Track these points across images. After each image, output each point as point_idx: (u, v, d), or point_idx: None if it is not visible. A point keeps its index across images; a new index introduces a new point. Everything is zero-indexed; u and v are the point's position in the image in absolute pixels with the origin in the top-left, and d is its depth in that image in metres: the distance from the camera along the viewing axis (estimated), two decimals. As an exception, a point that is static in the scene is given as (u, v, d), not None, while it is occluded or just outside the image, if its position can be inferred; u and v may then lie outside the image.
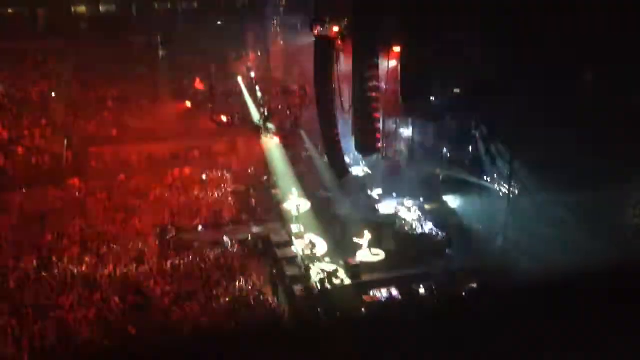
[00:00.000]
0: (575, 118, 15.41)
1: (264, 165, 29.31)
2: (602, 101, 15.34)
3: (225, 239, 22.23)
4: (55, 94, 31.58)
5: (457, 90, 20.65)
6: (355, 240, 20.81)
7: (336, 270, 19.89)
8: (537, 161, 17.22)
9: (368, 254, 20.55)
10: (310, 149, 28.91)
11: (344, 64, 22.61)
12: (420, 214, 23.10)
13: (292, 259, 21.37)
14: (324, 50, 22.10)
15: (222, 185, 27.65)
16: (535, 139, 16.63)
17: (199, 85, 33.87)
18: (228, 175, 28.74)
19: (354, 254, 20.42)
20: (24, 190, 25.78)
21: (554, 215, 16.91)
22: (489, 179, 21.51)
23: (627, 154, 14.74)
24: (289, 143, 29.07)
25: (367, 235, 20.88)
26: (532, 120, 16.41)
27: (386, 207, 24.39)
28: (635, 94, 14.82)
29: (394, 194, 24.89)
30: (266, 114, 30.57)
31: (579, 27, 14.87)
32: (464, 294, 18.00)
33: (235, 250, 21.57)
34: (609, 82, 15.16)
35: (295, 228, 22.82)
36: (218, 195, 26.42)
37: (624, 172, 15.07)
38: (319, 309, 18.02)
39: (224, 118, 31.88)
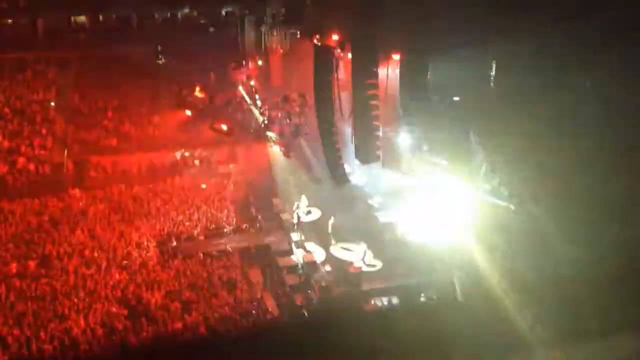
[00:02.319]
0: (575, 128, 15.44)
1: (265, 173, 29.33)
2: (601, 112, 15.37)
3: (226, 247, 22.20)
4: (55, 104, 31.62)
5: (456, 98, 20.65)
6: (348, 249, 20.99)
7: (337, 279, 19.96)
8: (535, 171, 17.23)
9: (362, 265, 20.63)
10: (310, 157, 28.96)
11: (344, 72, 22.67)
12: (420, 222, 23.08)
13: (293, 268, 21.36)
14: (324, 59, 22.16)
15: (223, 193, 27.63)
16: (534, 149, 16.64)
17: (198, 93, 33.89)
18: (228, 184, 28.73)
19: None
20: (25, 200, 25.75)
21: (549, 225, 16.92)
22: (488, 188, 21.49)
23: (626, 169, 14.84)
24: (289, 151, 29.08)
25: (362, 246, 20.99)
26: (532, 129, 16.44)
27: (386, 215, 24.42)
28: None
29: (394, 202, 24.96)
30: (266, 122, 30.62)
31: (577, 32, 14.90)
32: (465, 301, 18.00)
33: (235, 259, 21.53)
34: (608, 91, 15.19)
35: (295, 236, 22.84)
36: (218, 204, 26.40)
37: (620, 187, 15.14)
38: (318, 317, 18.01)
39: (224, 126, 31.90)
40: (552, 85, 15.47)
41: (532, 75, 16.00)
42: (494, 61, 17.85)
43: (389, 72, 21.98)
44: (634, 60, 14.41)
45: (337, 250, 22.13)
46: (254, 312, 18.17)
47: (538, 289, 15.79)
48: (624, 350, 14.16)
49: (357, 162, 24.69)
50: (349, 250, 21.99)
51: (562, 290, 15.26)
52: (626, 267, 15.10)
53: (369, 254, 21.27)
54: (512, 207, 18.87)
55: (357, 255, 21.40)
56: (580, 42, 14.86)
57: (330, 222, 23.18)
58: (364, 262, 20.71)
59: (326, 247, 22.40)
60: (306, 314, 18.53)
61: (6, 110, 30.51)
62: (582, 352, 14.19)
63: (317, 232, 23.44)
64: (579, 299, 14.75)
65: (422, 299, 18.70)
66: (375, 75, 20.03)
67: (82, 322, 17.21)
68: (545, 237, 16.65)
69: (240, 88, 33.46)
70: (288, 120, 30.70)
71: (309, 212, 24.28)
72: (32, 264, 20.50)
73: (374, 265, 20.70)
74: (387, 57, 21.30)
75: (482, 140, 19.64)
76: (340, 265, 21.02)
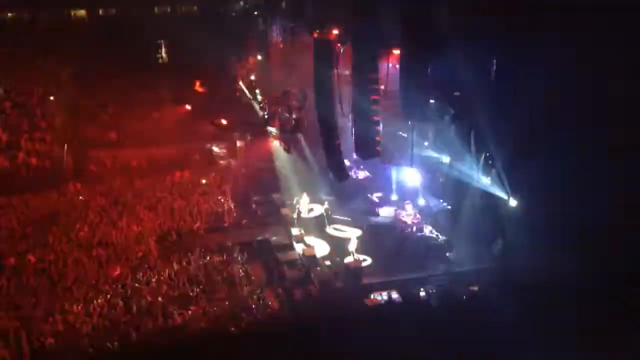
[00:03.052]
0: (576, 125, 15.43)
1: (265, 168, 29.37)
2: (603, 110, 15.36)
3: (226, 242, 22.22)
4: (55, 98, 31.62)
5: (457, 93, 20.62)
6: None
7: (337, 273, 20.01)
8: (535, 166, 17.22)
9: (354, 256, 20.77)
10: (307, 152, 29.02)
11: (344, 67, 22.64)
12: (420, 217, 23.11)
13: (293, 262, 21.39)
14: (324, 54, 22.15)
15: (223, 188, 27.65)
16: (535, 144, 16.64)
17: (199, 88, 33.91)
18: (228, 178, 28.75)
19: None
20: (25, 194, 25.78)
21: (549, 220, 16.93)
22: (488, 182, 21.51)
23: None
24: (290, 146, 29.11)
25: (354, 241, 21.06)
26: (532, 124, 16.43)
27: (386, 211, 24.46)
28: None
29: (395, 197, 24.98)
30: (267, 116, 30.63)
31: (578, 29, 14.87)
32: (464, 297, 18.03)
33: (235, 254, 21.56)
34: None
35: (295, 231, 22.88)
36: (218, 198, 26.42)
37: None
38: (320, 312, 18.04)
39: (224, 121, 31.91)
40: (553, 80, 15.45)
41: (533, 70, 15.97)
42: (494, 55, 17.80)
43: (390, 67, 21.95)
44: (634, 57, 14.40)
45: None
46: (254, 306, 18.20)
47: (534, 284, 15.83)
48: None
49: (356, 157, 24.79)
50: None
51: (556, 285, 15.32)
52: (621, 264, 15.15)
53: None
54: (512, 201, 18.87)
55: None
56: (581, 38, 14.83)
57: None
58: (356, 255, 20.84)
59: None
60: (307, 308, 18.57)
61: (6, 104, 30.51)
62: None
63: (319, 227, 23.49)
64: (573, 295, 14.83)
65: (422, 294, 18.72)
66: (376, 70, 20.02)
67: (82, 315, 17.25)
68: (543, 231, 16.69)
69: (241, 83, 33.49)
70: (288, 115, 30.69)
71: (311, 210, 24.34)
72: (32, 257, 20.52)
73: (364, 260, 20.79)
74: (388, 52, 21.27)
75: (482, 135, 19.63)
76: (341, 260, 21.08)
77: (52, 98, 31.55)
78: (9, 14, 35.17)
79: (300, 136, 29.08)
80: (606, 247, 14.92)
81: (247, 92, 32.96)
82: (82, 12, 36.80)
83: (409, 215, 23.22)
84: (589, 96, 15.12)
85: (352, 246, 20.93)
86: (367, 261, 20.77)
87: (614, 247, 14.93)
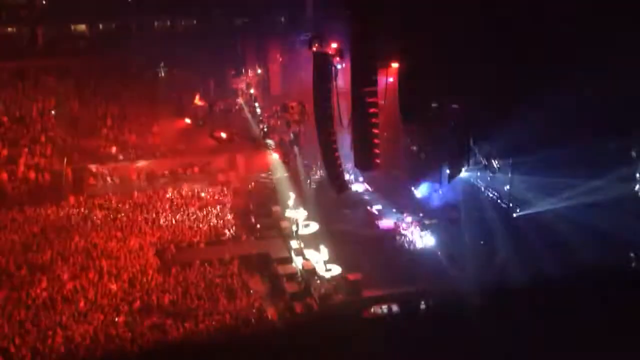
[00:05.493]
0: (575, 134, 15.50)
1: (264, 181, 29.38)
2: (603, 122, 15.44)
3: (225, 255, 22.17)
4: (55, 112, 31.67)
5: (455, 105, 20.67)
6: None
7: (337, 286, 19.97)
8: (536, 175, 17.29)
9: (323, 270, 20.71)
10: (307, 165, 29.04)
11: (343, 80, 22.71)
12: (420, 229, 23.10)
13: (292, 275, 21.35)
14: (323, 67, 22.19)
15: (222, 201, 27.63)
16: (535, 153, 16.70)
17: (198, 101, 33.94)
18: (228, 192, 28.73)
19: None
20: (25, 208, 25.74)
21: (553, 229, 16.96)
22: (488, 193, 21.54)
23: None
24: (289, 159, 29.14)
25: (324, 250, 21.08)
26: (532, 134, 16.49)
27: (386, 223, 24.44)
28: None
29: (394, 209, 24.96)
30: (266, 130, 30.69)
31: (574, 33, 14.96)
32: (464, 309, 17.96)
33: (235, 267, 21.50)
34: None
35: (294, 244, 22.84)
36: (218, 211, 26.39)
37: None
38: (318, 325, 17.99)
39: (223, 134, 31.93)
40: (552, 91, 15.53)
41: (532, 82, 16.06)
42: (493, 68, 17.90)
43: (389, 80, 22.01)
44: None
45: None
46: (253, 320, 18.14)
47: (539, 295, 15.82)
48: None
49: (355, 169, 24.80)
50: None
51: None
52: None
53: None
54: (514, 213, 18.93)
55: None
56: (582, 48, 14.92)
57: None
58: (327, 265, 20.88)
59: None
60: (306, 321, 18.51)
61: (5, 118, 30.55)
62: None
63: (316, 242, 23.43)
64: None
65: (422, 306, 18.67)
66: (375, 83, 20.05)
67: (81, 330, 17.16)
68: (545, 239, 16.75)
69: (240, 96, 33.56)
70: (287, 129, 30.76)
71: (307, 225, 24.27)
72: (32, 271, 20.42)
73: (329, 270, 20.83)
74: (387, 65, 21.33)
75: (481, 148, 19.70)
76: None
77: (52, 112, 31.57)
78: (9, 29, 35.29)
79: (298, 149, 29.12)
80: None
81: (245, 105, 33.02)
82: (82, 27, 36.92)
83: (409, 227, 23.22)
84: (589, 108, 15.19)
85: (324, 256, 21.02)
86: (337, 270, 20.77)
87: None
